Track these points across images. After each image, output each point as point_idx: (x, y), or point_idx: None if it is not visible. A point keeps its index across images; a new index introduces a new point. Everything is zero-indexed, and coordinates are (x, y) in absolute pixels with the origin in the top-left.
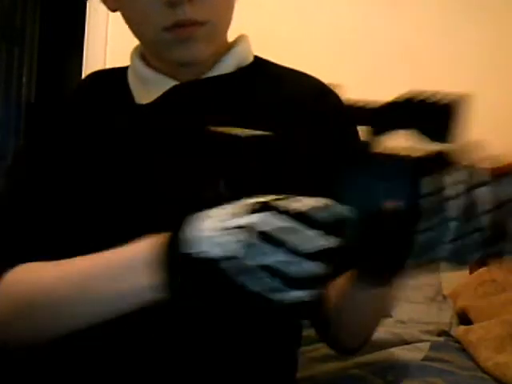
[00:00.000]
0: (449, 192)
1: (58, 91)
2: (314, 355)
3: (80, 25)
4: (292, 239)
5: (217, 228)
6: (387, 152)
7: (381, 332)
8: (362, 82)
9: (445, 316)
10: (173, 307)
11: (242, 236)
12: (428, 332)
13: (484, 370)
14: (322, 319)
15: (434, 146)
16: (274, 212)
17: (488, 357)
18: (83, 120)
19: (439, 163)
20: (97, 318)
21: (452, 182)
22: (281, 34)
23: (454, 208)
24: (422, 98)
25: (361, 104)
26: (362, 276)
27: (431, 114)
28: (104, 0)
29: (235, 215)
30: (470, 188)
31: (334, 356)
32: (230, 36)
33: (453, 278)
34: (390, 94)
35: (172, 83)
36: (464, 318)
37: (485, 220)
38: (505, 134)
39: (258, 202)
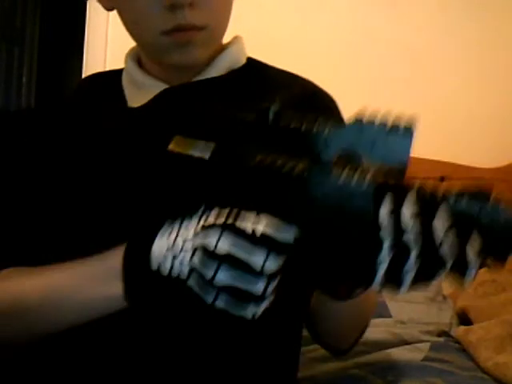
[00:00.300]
0: (403, 215)
1: (57, 91)
2: (314, 355)
3: (80, 25)
4: (243, 257)
5: (175, 246)
6: (343, 171)
7: (381, 332)
8: (362, 83)
9: (445, 316)
10: (172, 309)
11: (197, 255)
12: (428, 332)
13: (484, 371)
14: (309, 324)
15: (384, 166)
16: (228, 231)
17: (488, 357)
18: (78, 122)
19: (393, 186)
20: (64, 324)
21: (407, 202)
22: (281, 35)
23: (406, 228)
24: (372, 119)
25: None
26: (320, 289)
27: (382, 137)
28: None
29: (192, 233)
30: (420, 211)
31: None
32: (228, 37)
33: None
34: (390, 95)
35: (163, 86)
36: (464, 318)
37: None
38: (506, 134)
39: (213, 220)
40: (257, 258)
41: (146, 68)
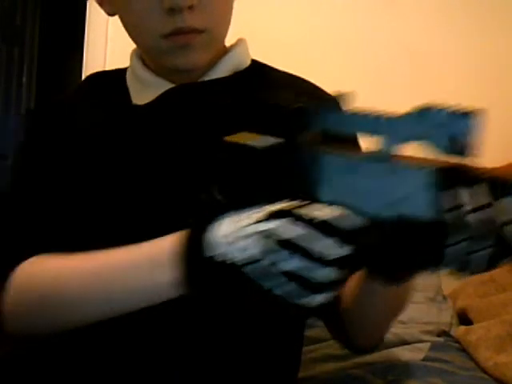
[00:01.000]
0: (469, 205)
1: (57, 91)
2: (314, 355)
3: (80, 25)
4: (310, 246)
5: (239, 232)
6: (406, 160)
7: None
8: (362, 83)
9: (445, 316)
10: (178, 307)
11: (262, 242)
12: (428, 332)
13: (484, 370)
14: (336, 318)
15: (450, 159)
16: (294, 219)
17: (488, 357)
18: (82, 120)
19: (459, 175)
20: (111, 312)
21: (472, 194)
22: (280, 35)
23: (473, 221)
24: (437, 109)
25: (370, 112)
26: (374, 275)
27: (445, 126)
28: (101, 4)
29: (257, 220)
30: (490, 201)
31: (334, 356)
32: (229, 38)
33: (453, 278)
34: (390, 95)
35: (169, 86)
36: (464, 318)
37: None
38: (506, 134)
39: (279, 209)
40: (323, 247)
41: (150, 67)
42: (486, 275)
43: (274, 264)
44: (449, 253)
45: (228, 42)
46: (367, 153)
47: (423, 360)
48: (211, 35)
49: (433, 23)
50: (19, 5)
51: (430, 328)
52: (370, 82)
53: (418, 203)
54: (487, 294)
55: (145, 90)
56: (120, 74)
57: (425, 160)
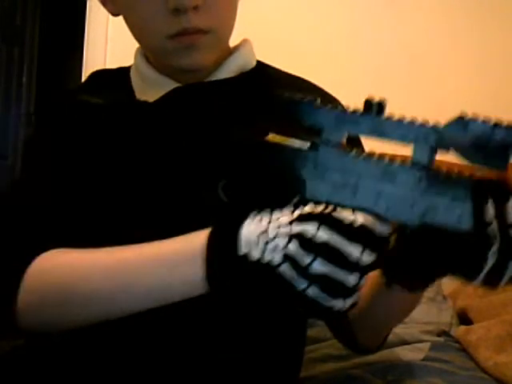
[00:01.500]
0: (506, 219)
1: (58, 91)
2: (314, 355)
3: (80, 25)
4: (342, 250)
5: (271, 233)
6: (441, 170)
7: None
8: (362, 83)
9: (445, 316)
10: (182, 307)
11: (296, 243)
12: (428, 332)
13: (484, 370)
14: (340, 319)
15: (489, 171)
16: (328, 223)
17: (488, 357)
18: (86, 117)
19: (501, 188)
20: (140, 307)
21: (508, 209)
22: (280, 35)
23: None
24: (477, 120)
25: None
26: (393, 282)
27: (484, 138)
28: (104, 4)
29: (290, 221)
30: None
31: (334, 356)
32: (232, 39)
33: (453, 278)
34: (390, 96)
35: (173, 85)
36: (464, 318)
37: None
38: None
39: (311, 211)
40: (354, 250)
41: (154, 65)
42: None
43: (305, 266)
44: (487, 265)
45: (230, 42)
46: (400, 160)
47: (423, 360)
48: (216, 35)
49: (433, 23)
50: (19, 5)
51: (430, 328)
52: (370, 82)
53: (455, 214)
54: (487, 294)
55: (149, 89)
56: (123, 72)
57: (462, 171)
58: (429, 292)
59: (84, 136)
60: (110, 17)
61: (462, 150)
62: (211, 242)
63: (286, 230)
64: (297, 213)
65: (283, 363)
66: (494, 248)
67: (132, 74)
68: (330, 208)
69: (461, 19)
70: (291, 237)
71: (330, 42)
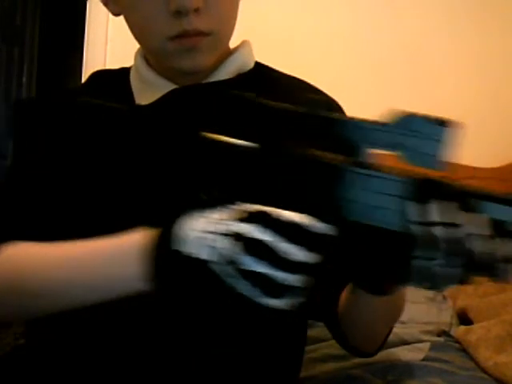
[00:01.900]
0: (439, 218)
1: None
2: (314, 355)
3: (80, 25)
4: (278, 250)
5: (208, 230)
6: (381, 169)
7: None
8: (362, 83)
9: (445, 316)
10: (177, 306)
11: (231, 241)
12: (428, 332)
13: (484, 370)
14: (335, 322)
15: (423, 170)
16: (265, 222)
17: (488, 357)
18: (76, 118)
19: (433, 189)
20: (83, 301)
21: (443, 210)
22: (279, 36)
23: (441, 237)
24: (414, 117)
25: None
26: (359, 285)
27: (421, 137)
28: (106, 4)
29: (228, 220)
30: (459, 219)
31: (333, 356)
32: (232, 40)
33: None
34: (390, 96)
35: (172, 87)
36: (464, 318)
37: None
38: (506, 134)
39: (251, 210)
40: (290, 249)
41: (154, 68)
42: None
43: (240, 264)
44: (416, 267)
45: (230, 43)
46: (340, 159)
47: (423, 360)
48: (217, 38)
49: (433, 23)
50: (19, 5)
51: (430, 328)
52: (370, 82)
53: (389, 213)
54: (487, 294)
55: (148, 90)
56: (124, 73)
57: (400, 170)
58: (429, 292)
59: (69, 136)
60: (110, 17)
61: (399, 149)
62: (151, 239)
63: (222, 228)
64: (234, 211)
65: (283, 363)
66: (424, 250)
67: (131, 75)
68: (268, 207)
69: (461, 19)
70: (227, 235)
71: (329, 42)
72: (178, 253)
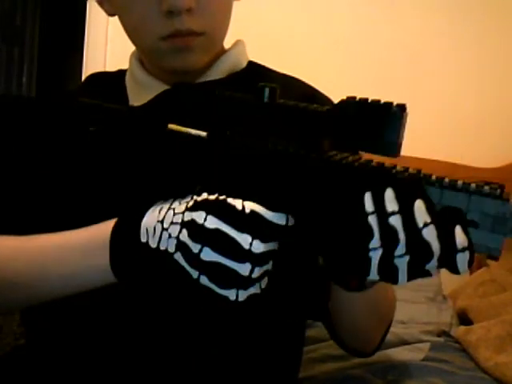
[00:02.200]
0: (390, 207)
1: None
2: (314, 355)
3: (80, 25)
4: (232, 235)
5: (167, 220)
6: (333, 157)
7: None
8: (362, 83)
9: (445, 316)
10: (179, 306)
11: (186, 231)
12: (428, 332)
13: (484, 371)
14: (329, 321)
15: (375, 157)
16: (219, 210)
17: (488, 357)
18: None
19: (379, 176)
20: (60, 292)
21: (393, 197)
22: (279, 36)
23: (398, 225)
24: (360, 104)
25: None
26: (332, 281)
27: (370, 122)
28: (101, 4)
29: (185, 209)
30: (400, 207)
31: (333, 356)
32: (227, 39)
33: (453, 278)
34: (389, 96)
35: (165, 87)
36: (464, 318)
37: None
38: (506, 134)
39: (206, 199)
40: (245, 237)
41: (148, 69)
42: (486, 275)
43: (195, 254)
44: (374, 259)
45: (225, 42)
46: (294, 149)
47: (423, 360)
48: (210, 37)
49: (433, 23)
50: (19, 5)
51: (430, 328)
52: (370, 82)
53: (344, 204)
54: (487, 294)
55: (142, 92)
56: (120, 75)
57: (354, 158)
58: (429, 292)
59: (70, 138)
60: (110, 17)
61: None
62: (115, 230)
63: (180, 216)
64: (191, 202)
65: (282, 363)
66: (375, 240)
67: (127, 77)
68: (223, 197)
69: (461, 19)
70: (183, 225)
71: (329, 42)
72: (138, 243)
